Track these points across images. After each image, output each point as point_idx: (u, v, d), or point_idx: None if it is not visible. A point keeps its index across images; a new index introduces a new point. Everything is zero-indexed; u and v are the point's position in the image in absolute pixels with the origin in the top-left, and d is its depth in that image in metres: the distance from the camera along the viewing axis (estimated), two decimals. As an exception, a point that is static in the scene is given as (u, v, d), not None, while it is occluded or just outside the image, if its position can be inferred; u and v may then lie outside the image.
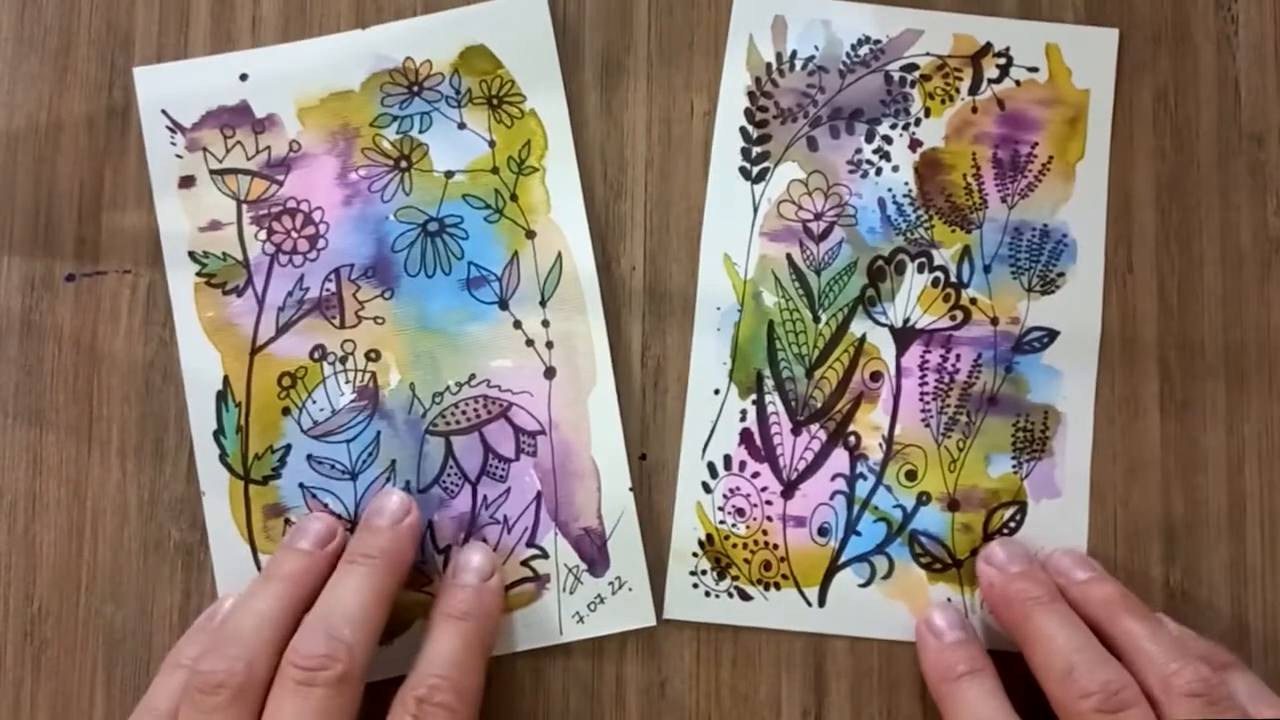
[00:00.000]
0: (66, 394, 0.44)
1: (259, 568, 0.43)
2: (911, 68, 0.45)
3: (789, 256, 0.45)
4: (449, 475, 0.43)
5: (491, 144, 0.45)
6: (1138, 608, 0.40)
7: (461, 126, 0.45)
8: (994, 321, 0.44)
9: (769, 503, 0.44)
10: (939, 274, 0.45)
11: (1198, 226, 0.45)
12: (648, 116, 0.45)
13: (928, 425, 0.44)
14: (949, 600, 0.43)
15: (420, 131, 0.45)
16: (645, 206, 0.45)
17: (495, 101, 0.45)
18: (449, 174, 0.45)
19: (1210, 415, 0.44)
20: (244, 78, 0.45)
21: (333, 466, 0.43)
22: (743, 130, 0.45)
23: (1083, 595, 0.41)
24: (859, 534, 0.44)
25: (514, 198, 0.44)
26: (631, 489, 0.43)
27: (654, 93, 0.45)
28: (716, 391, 0.44)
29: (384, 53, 0.45)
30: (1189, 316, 0.45)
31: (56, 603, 0.43)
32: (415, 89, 0.45)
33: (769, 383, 0.44)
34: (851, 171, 0.45)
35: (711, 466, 0.44)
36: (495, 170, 0.45)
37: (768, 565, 0.44)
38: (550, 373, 0.44)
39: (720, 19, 0.46)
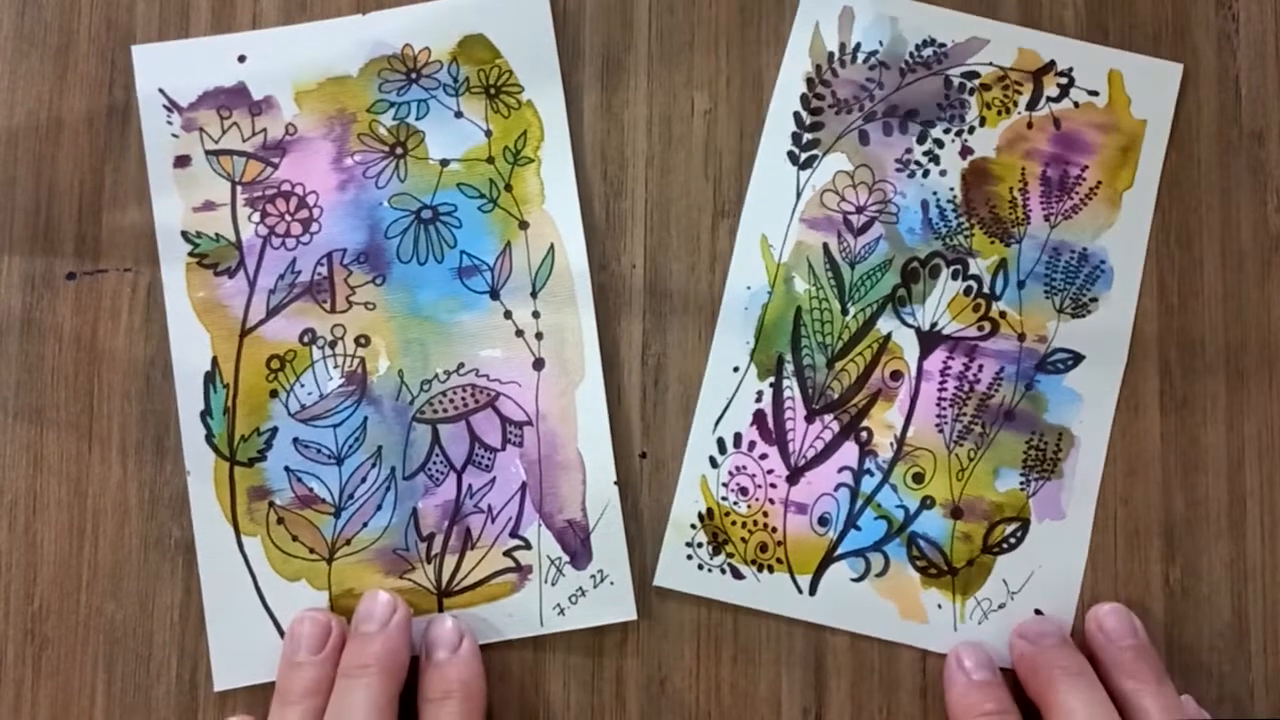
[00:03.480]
0: (67, 392, 0.44)
1: (242, 551, 0.43)
2: (972, 75, 0.45)
3: (825, 246, 0.45)
4: (435, 463, 0.44)
5: (488, 133, 0.45)
6: (1161, 679, 0.40)
7: (458, 115, 0.45)
8: (1021, 337, 0.44)
9: (773, 486, 0.44)
10: (972, 283, 0.44)
11: (1198, 225, 0.45)
12: (648, 114, 0.45)
13: (941, 431, 0.44)
14: (939, 606, 0.43)
15: (417, 119, 0.45)
16: (645, 205, 0.45)
17: (493, 91, 0.45)
18: (444, 162, 0.45)
19: (1210, 413, 0.44)
20: (242, 59, 0.45)
21: (319, 451, 0.43)
22: (796, 115, 0.45)
23: (1117, 659, 0.41)
24: (859, 528, 0.44)
25: (508, 188, 0.45)
26: (616, 483, 0.43)
27: (654, 91, 0.45)
28: (736, 369, 0.44)
29: (383, 39, 0.45)
30: (1189, 314, 0.45)
31: (57, 601, 0.43)
32: (413, 76, 0.45)
33: (789, 367, 0.44)
34: (899, 170, 0.45)
35: (721, 442, 0.44)
36: (490, 160, 0.45)
37: (764, 547, 0.44)
38: (539, 364, 0.44)
39: (723, 16, 0.46)
